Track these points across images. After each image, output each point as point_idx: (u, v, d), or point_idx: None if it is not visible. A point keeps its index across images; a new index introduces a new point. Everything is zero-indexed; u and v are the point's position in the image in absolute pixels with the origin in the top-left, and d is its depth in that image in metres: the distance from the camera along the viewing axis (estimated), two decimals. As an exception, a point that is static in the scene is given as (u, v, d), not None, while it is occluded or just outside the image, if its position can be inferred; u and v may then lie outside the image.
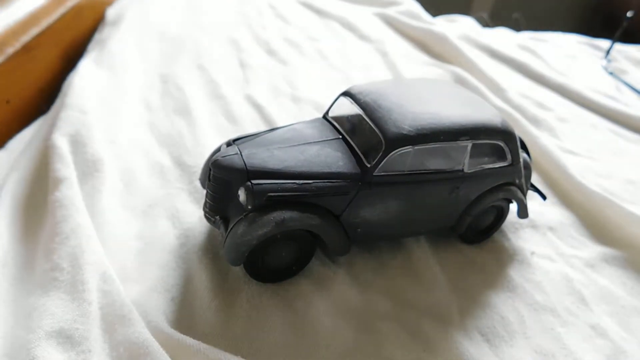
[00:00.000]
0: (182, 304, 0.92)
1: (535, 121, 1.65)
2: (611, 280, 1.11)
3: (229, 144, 0.99)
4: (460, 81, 1.80)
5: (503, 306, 1.00)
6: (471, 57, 1.93)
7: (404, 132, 0.91)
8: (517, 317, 0.98)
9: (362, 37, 2.13)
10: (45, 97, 1.50)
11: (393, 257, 1.07)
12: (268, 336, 0.89)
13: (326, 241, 0.94)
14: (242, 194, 0.89)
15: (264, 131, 1.03)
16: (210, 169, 0.93)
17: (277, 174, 0.90)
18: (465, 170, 0.99)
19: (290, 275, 0.99)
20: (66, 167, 1.12)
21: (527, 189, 1.16)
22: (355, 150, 0.96)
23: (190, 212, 1.11)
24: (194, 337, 0.83)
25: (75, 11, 1.74)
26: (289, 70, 1.78)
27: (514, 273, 1.08)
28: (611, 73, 2.12)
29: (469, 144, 0.97)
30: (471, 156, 0.98)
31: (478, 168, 1.01)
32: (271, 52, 1.89)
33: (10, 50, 1.36)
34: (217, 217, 0.94)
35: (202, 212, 1.00)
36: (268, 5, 2.32)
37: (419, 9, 2.37)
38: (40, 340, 0.79)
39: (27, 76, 1.46)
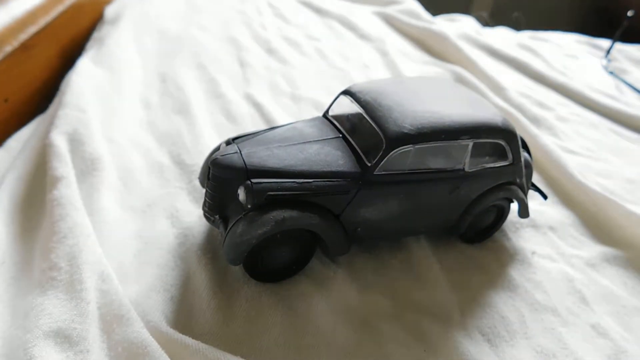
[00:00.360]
0: (181, 303, 0.92)
1: (535, 120, 1.64)
2: (612, 280, 1.10)
3: (228, 142, 0.99)
4: (460, 80, 1.80)
5: (504, 306, 1.00)
6: (471, 56, 1.93)
7: (405, 131, 0.91)
8: (518, 317, 0.98)
9: (362, 36, 2.12)
10: (43, 96, 1.49)
11: (393, 256, 1.07)
12: (267, 336, 0.88)
13: (326, 240, 0.94)
14: (241, 193, 0.89)
15: (264, 130, 1.03)
16: (209, 168, 0.92)
17: (276, 172, 0.90)
18: (466, 169, 0.99)
19: (289, 275, 0.98)
20: (64, 166, 1.12)
21: (528, 188, 1.15)
22: (356, 149, 0.96)
23: (189, 211, 1.11)
24: (192, 337, 0.83)
25: (73, 9, 1.73)
26: (289, 69, 1.77)
27: (515, 273, 1.07)
28: (611, 72, 2.11)
29: (470, 143, 0.96)
30: (472, 155, 0.98)
31: (479, 167, 1.00)
32: (271, 51, 1.89)
33: (8, 48, 1.36)
34: (217, 217, 0.94)
35: (201, 212, 1.00)
36: (267, 4, 2.32)
37: (419, 8, 2.36)
38: (37, 339, 0.78)
39: (25, 75, 1.45)
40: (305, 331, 0.90)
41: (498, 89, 1.77)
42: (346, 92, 1.05)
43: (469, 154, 0.97)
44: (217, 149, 1.03)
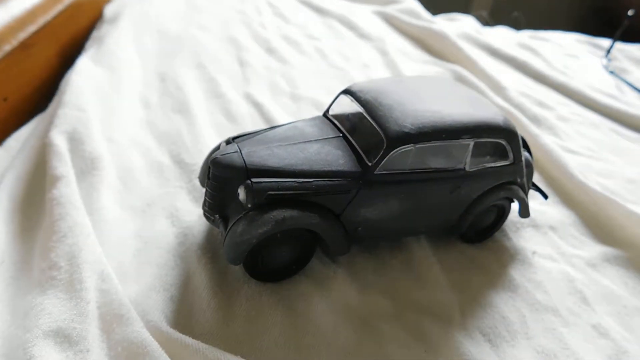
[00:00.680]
0: (181, 303, 0.92)
1: (535, 120, 1.64)
2: (613, 280, 1.10)
3: (228, 142, 0.98)
4: (460, 79, 1.79)
5: (504, 306, 1.00)
6: (471, 56, 1.93)
7: (406, 130, 0.91)
8: (519, 317, 0.98)
9: (362, 35, 2.12)
10: (42, 95, 1.49)
11: (394, 256, 1.07)
12: (267, 336, 0.88)
13: (326, 240, 0.93)
14: (241, 193, 0.88)
15: (264, 129, 1.03)
16: (209, 168, 0.92)
17: (277, 172, 0.89)
18: (467, 169, 0.99)
19: (290, 275, 0.98)
20: (64, 165, 1.12)
21: (529, 188, 1.15)
22: (356, 149, 0.96)
23: (189, 210, 1.11)
24: (192, 337, 0.82)
25: (73, 8, 1.73)
26: (289, 69, 1.77)
27: (515, 273, 1.07)
28: (612, 72, 2.11)
29: (470, 143, 0.96)
30: (473, 155, 0.98)
31: (480, 167, 1.00)
32: (270, 51, 1.88)
33: (7, 47, 1.35)
34: (217, 216, 0.93)
35: (201, 211, 1.00)
36: (267, 4, 2.31)
37: (418, 7, 2.36)
38: (37, 339, 0.78)
39: (24, 74, 1.45)
40: (305, 331, 0.90)
41: (498, 89, 1.77)
42: (346, 92, 1.04)
43: (470, 153, 0.97)
44: (217, 148, 1.03)
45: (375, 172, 0.92)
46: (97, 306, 0.86)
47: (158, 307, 0.90)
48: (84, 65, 1.52)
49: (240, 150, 0.92)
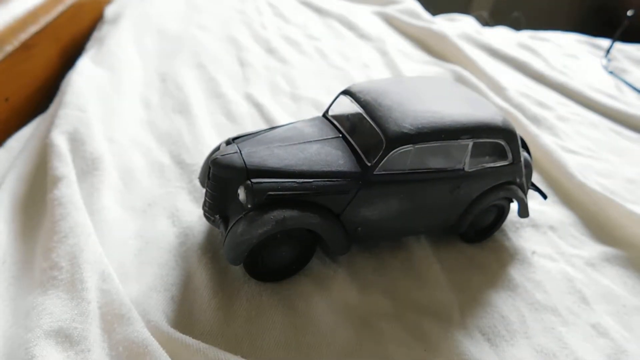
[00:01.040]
0: (181, 303, 0.92)
1: (535, 120, 1.64)
2: (612, 280, 1.10)
3: (228, 142, 0.99)
4: (460, 80, 1.80)
5: (504, 305, 1.00)
6: (471, 56, 1.93)
7: (405, 131, 0.91)
8: (518, 317, 0.98)
9: (362, 35, 2.12)
10: (43, 95, 1.49)
11: (393, 256, 1.07)
12: (268, 335, 0.88)
13: (326, 240, 0.94)
14: (241, 193, 0.89)
15: (264, 130, 1.03)
16: (209, 168, 0.92)
17: (277, 172, 0.90)
18: (466, 169, 0.99)
19: (290, 275, 0.98)
20: (65, 166, 1.12)
21: (528, 188, 1.16)
22: (356, 149, 0.96)
23: (189, 211, 1.11)
24: (193, 336, 0.83)
25: (74, 9, 1.73)
26: (289, 69, 1.77)
27: (515, 272, 1.07)
28: (611, 72, 2.12)
29: (470, 143, 0.96)
30: (472, 155, 0.98)
31: (479, 167, 1.00)
32: (271, 51, 1.89)
33: (8, 48, 1.36)
34: (217, 216, 0.94)
35: (201, 211, 1.00)
36: (267, 4, 2.32)
37: (418, 8, 2.36)
38: (38, 339, 0.78)
39: (25, 74, 1.45)
40: (305, 330, 0.90)
41: (498, 89, 1.77)
42: (346, 92, 1.05)
43: (469, 153, 0.97)
44: (217, 148, 1.03)
45: (374, 173, 0.92)
46: (98, 306, 0.86)
47: (159, 306, 0.90)
48: (84, 65, 1.52)
49: (240, 151, 0.92)
